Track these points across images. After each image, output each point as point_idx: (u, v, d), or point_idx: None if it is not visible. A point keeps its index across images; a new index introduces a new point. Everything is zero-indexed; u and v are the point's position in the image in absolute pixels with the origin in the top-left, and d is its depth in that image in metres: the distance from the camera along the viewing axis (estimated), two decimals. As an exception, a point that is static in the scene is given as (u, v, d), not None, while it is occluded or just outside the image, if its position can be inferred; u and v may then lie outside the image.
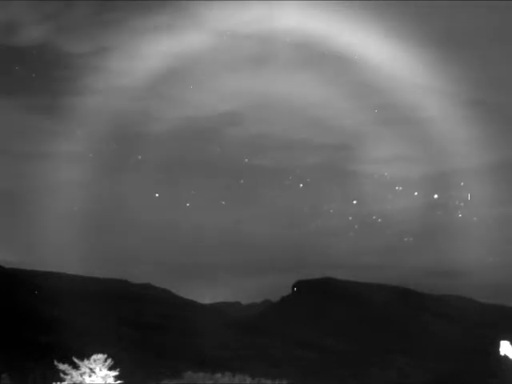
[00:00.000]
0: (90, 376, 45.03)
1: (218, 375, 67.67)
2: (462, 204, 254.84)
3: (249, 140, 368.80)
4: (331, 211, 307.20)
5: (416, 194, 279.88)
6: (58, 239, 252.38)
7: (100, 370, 45.14)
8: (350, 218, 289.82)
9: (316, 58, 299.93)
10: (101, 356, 45.48)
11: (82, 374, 45.01)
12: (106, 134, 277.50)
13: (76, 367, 45.29)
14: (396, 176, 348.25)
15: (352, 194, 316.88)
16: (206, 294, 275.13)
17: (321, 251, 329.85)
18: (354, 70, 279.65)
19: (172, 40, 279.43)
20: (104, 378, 45.17)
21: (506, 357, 44.16)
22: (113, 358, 46.17)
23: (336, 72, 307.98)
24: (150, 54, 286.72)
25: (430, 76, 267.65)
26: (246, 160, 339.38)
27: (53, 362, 46.56)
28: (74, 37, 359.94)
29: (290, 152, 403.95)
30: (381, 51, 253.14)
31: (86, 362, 45.31)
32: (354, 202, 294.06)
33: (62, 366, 45.32)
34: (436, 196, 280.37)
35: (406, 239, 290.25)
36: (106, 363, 45.54)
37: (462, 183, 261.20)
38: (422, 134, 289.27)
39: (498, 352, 44.94)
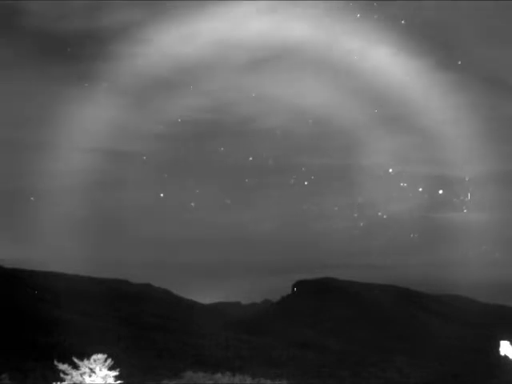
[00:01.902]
0: (90, 376, 44.92)
1: (218, 375, 67.56)
2: (466, 199, 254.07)
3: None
4: (336, 209, 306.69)
5: (420, 189, 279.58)
6: (59, 239, 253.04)
7: (100, 370, 45.03)
8: (355, 216, 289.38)
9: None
10: (101, 356, 45.35)
11: (82, 374, 44.89)
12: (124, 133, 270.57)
13: (76, 367, 45.15)
14: (400, 172, 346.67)
15: (357, 191, 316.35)
16: (206, 294, 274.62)
17: (321, 251, 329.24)
18: (353, 71, 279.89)
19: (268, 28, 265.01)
20: (104, 378, 45.08)
21: (506, 357, 44.16)
22: (113, 358, 46.09)
23: (338, 74, 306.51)
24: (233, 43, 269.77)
25: (434, 79, 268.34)
26: (251, 159, 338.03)
27: (53, 362, 46.43)
28: (156, 22, 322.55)
29: (295, 151, 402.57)
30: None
31: (85, 361, 45.19)
32: (359, 199, 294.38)
33: (61, 366, 45.17)
34: (441, 191, 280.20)
35: (411, 235, 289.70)
36: (106, 363, 45.41)
37: (467, 178, 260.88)
38: (425, 130, 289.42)
39: (498, 352, 44.94)
